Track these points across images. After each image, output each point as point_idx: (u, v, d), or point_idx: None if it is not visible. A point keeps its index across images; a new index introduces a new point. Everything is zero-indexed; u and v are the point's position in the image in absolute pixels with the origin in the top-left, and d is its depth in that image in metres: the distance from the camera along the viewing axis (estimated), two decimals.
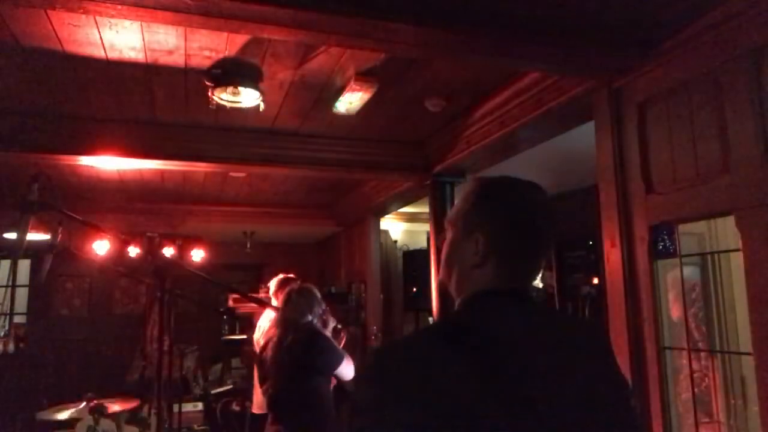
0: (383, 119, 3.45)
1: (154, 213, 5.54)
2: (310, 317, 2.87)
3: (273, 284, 3.47)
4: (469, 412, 0.83)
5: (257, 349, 3.34)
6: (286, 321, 2.87)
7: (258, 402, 3.53)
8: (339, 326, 3.14)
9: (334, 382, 2.92)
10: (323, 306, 2.99)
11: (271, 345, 2.87)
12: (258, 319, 3.74)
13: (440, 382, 0.84)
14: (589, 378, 0.97)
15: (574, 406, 0.91)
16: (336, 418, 2.91)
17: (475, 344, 0.90)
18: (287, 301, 2.94)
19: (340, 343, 3.07)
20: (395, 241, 6.59)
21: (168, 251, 5.08)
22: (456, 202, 1.12)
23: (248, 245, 6.79)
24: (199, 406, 5.58)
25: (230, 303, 6.30)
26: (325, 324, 3.00)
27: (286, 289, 3.05)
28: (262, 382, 3.00)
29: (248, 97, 2.68)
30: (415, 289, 5.78)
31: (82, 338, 6.80)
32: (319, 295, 3.00)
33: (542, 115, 2.73)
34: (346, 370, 2.86)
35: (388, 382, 0.86)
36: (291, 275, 3.50)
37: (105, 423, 3.31)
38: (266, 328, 3.20)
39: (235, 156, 3.63)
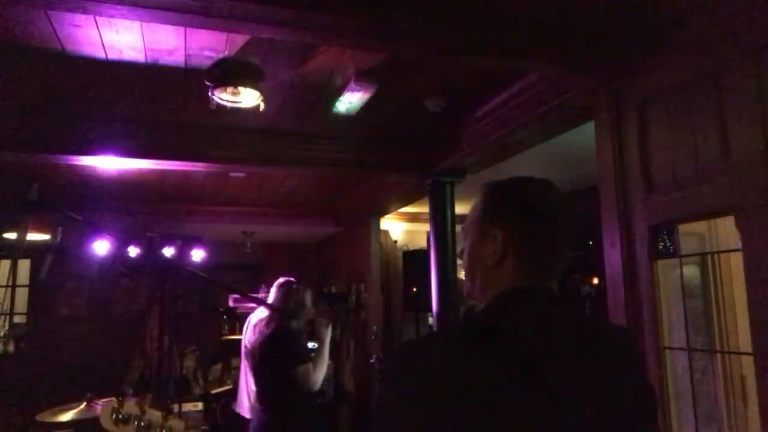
0: (383, 119, 3.45)
1: (154, 213, 5.54)
2: (283, 315, 3.01)
3: (273, 287, 3.53)
4: (498, 414, 0.82)
5: (244, 347, 3.44)
6: (265, 319, 3.06)
7: (245, 404, 3.55)
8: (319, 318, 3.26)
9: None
10: (307, 304, 3.15)
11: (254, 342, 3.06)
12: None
13: (469, 383, 0.83)
14: (616, 384, 0.95)
15: (600, 411, 0.90)
16: (326, 417, 3.04)
17: (503, 345, 0.88)
18: (269, 301, 3.14)
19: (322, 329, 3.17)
20: (395, 241, 6.59)
21: (168, 251, 5.07)
22: (469, 212, 1.11)
23: (248, 245, 6.79)
24: (199, 406, 5.59)
25: (230, 303, 6.31)
26: (305, 321, 3.17)
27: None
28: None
29: (248, 97, 2.68)
30: (415, 289, 5.77)
31: (82, 338, 6.80)
32: (303, 294, 3.16)
33: (542, 115, 2.72)
34: (305, 374, 2.89)
35: (417, 381, 0.85)
36: (289, 279, 3.54)
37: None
38: (253, 326, 3.30)
39: (235, 156, 3.63)
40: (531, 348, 0.89)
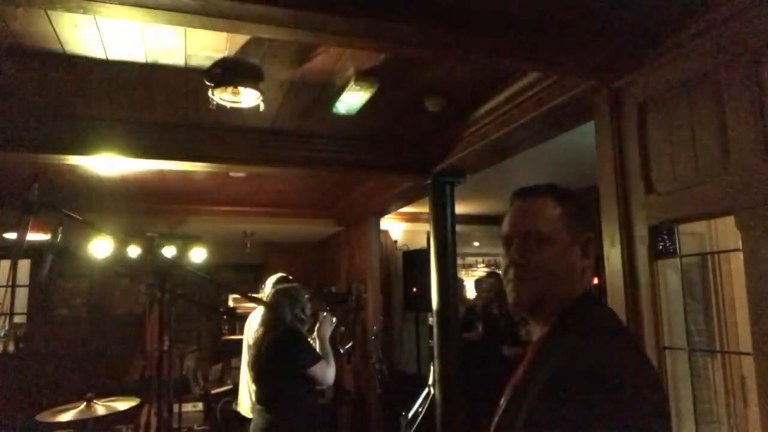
0: (383, 119, 3.45)
1: (154, 213, 5.54)
2: (289, 317, 2.98)
3: (267, 284, 3.50)
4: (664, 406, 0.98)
5: (245, 345, 3.43)
6: (266, 319, 3.01)
7: (245, 403, 3.54)
8: (326, 314, 3.24)
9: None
10: (306, 305, 3.10)
11: (254, 342, 3.02)
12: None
13: (650, 384, 0.96)
14: None
15: None
16: (327, 417, 3.01)
17: (636, 345, 1.12)
18: (268, 301, 3.09)
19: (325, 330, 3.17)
20: (395, 241, 6.59)
21: (168, 251, 5.07)
22: (534, 217, 1.10)
23: (248, 245, 6.78)
24: (199, 406, 5.59)
25: (230, 303, 6.31)
26: (308, 321, 3.11)
27: (271, 289, 3.20)
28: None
29: (248, 97, 2.68)
30: (415, 289, 5.77)
31: (82, 338, 6.80)
32: (303, 295, 3.12)
33: (542, 115, 2.72)
34: (321, 372, 2.93)
35: (626, 391, 0.90)
36: (284, 275, 3.52)
37: None
38: (253, 324, 3.29)
39: (235, 156, 3.63)
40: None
